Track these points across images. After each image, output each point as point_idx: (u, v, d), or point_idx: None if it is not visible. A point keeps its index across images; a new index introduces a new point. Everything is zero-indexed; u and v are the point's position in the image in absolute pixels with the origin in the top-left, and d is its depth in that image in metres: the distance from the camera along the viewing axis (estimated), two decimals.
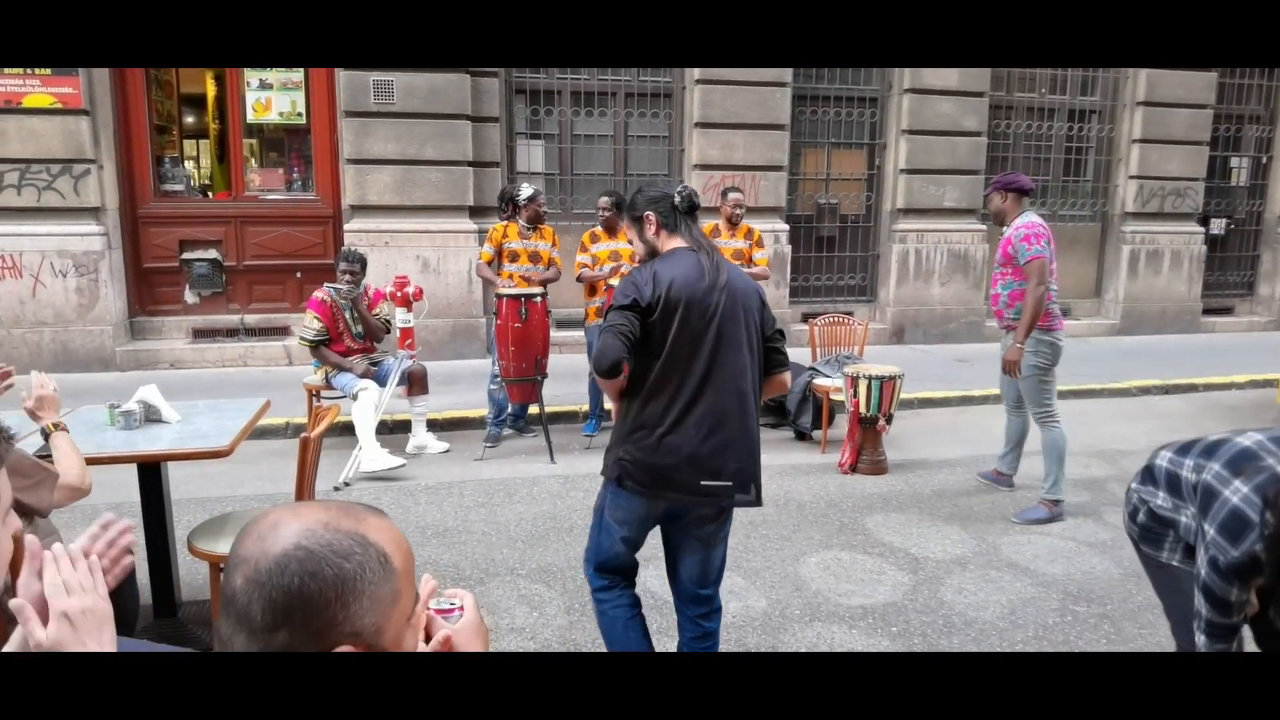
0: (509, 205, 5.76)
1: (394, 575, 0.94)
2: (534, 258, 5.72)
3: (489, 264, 5.76)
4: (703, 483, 2.45)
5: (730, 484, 2.48)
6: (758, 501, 2.59)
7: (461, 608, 1.21)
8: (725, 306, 2.44)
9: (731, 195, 5.90)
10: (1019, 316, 4.41)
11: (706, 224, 6.14)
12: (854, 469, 5.22)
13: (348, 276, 5.24)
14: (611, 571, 2.68)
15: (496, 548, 4.13)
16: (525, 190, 5.72)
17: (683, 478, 2.44)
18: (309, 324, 5.26)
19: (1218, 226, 10.26)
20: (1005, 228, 4.58)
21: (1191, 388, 7.54)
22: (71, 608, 1.05)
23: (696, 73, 8.23)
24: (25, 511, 2.12)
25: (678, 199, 2.57)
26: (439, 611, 1.20)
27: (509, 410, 5.77)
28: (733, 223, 5.89)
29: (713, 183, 8.27)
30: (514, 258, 5.69)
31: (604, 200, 5.82)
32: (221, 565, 2.63)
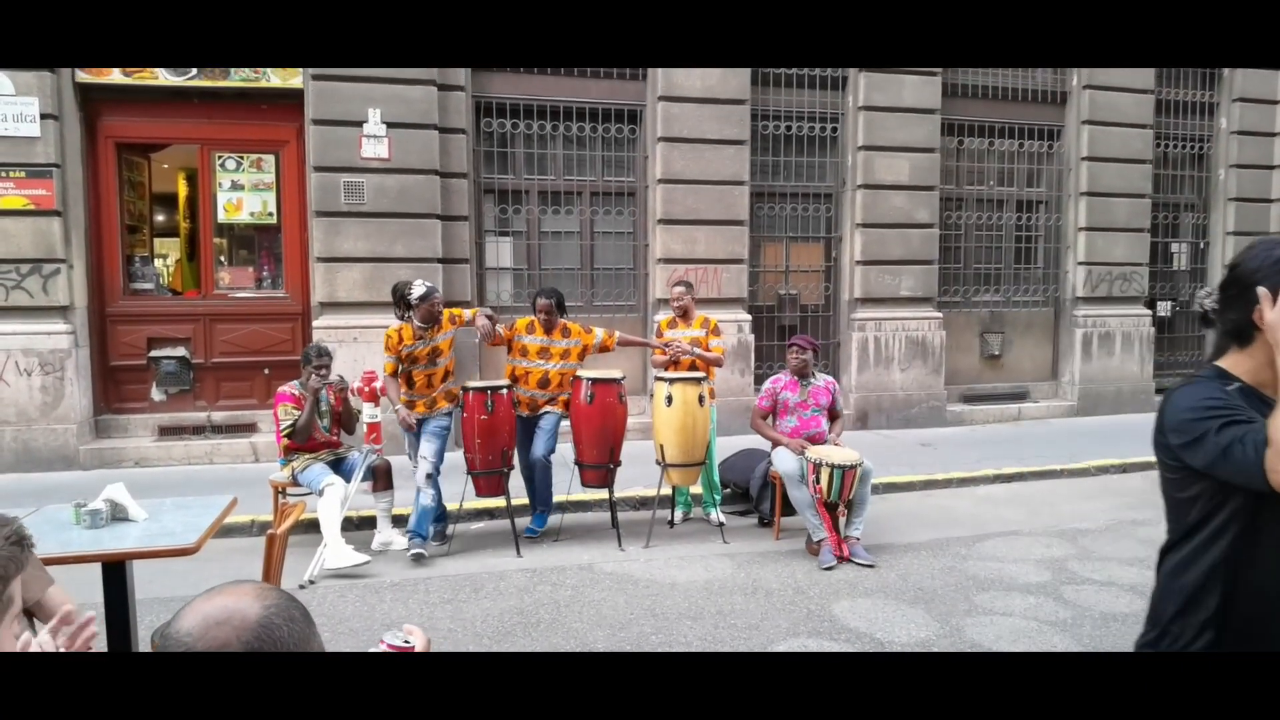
0: (401, 304, 5.43)
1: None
2: (431, 355, 5.46)
3: (394, 375, 5.51)
4: None
5: None
6: None
7: (414, 648, 1.26)
8: None
9: (675, 289, 6.05)
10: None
11: (664, 317, 6.30)
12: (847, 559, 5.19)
13: (323, 371, 5.32)
14: None
15: (463, 645, 4.10)
16: (418, 289, 5.35)
17: None
18: (287, 415, 5.28)
19: (1164, 309, 10.66)
20: (811, 379, 5.71)
21: (1148, 465, 7.69)
22: None
23: (659, 172, 8.54)
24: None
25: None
26: (391, 648, 1.25)
27: (433, 506, 5.39)
28: (685, 315, 6.04)
29: (675, 275, 8.50)
30: (412, 360, 5.43)
31: (543, 301, 5.65)
32: None
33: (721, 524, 5.87)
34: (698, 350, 5.85)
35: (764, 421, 5.71)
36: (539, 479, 5.75)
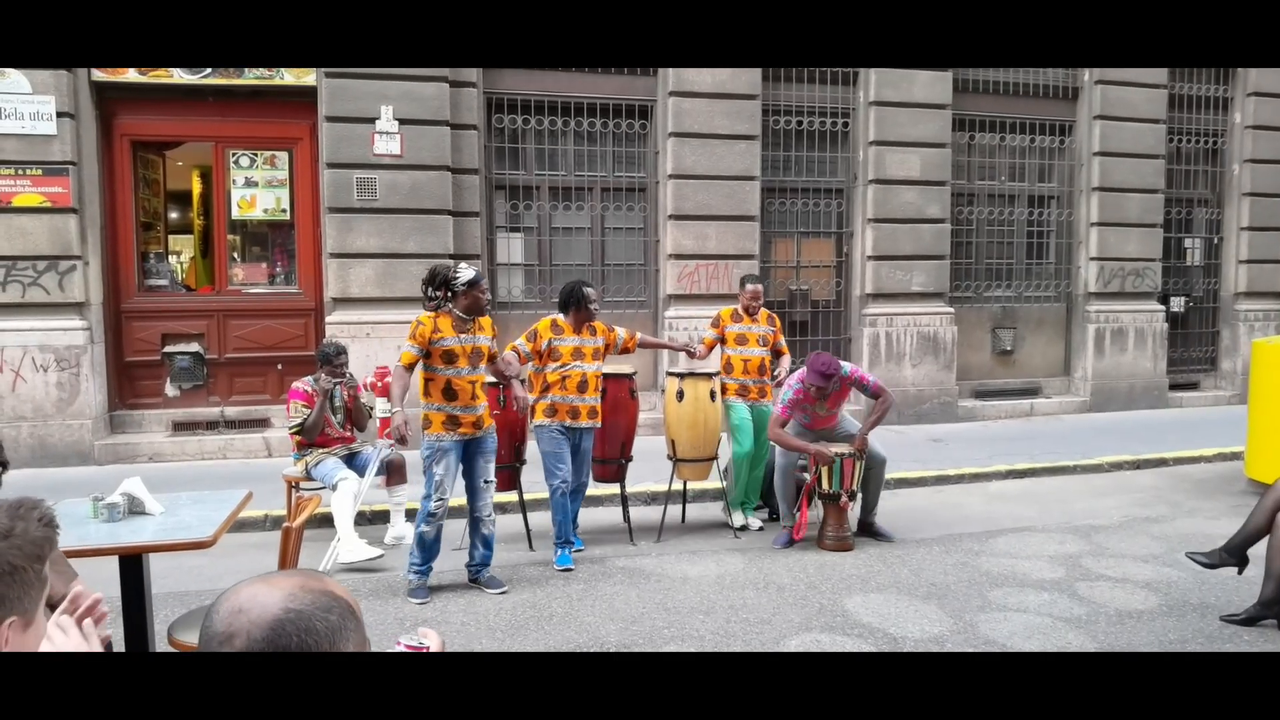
0: (441, 289, 4.57)
1: (361, 624, 1.08)
2: (474, 357, 4.65)
3: (410, 367, 4.58)
4: None
5: None
6: None
7: (429, 649, 1.29)
8: None
9: (750, 286, 5.94)
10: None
11: (726, 307, 6.20)
12: (794, 541, 5.42)
13: (341, 370, 5.35)
14: None
15: (475, 638, 4.12)
16: (466, 273, 4.56)
17: None
18: (297, 412, 5.31)
19: (1177, 304, 10.59)
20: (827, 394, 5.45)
21: (1161, 462, 7.67)
22: None
23: (669, 168, 8.54)
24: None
25: None
26: (409, 648, 1.29)
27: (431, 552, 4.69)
28: (750, 312, 5.95)
29: (687, 271, 8.52)
30: (450, 359, 4.56)
31: (592, 291, 5.19)
32: None
33: (760, 528, 5.84)
34: (782, 371, 5.97)
35: (782, 430, 5.50)
36: (575, 505, 5.28)
